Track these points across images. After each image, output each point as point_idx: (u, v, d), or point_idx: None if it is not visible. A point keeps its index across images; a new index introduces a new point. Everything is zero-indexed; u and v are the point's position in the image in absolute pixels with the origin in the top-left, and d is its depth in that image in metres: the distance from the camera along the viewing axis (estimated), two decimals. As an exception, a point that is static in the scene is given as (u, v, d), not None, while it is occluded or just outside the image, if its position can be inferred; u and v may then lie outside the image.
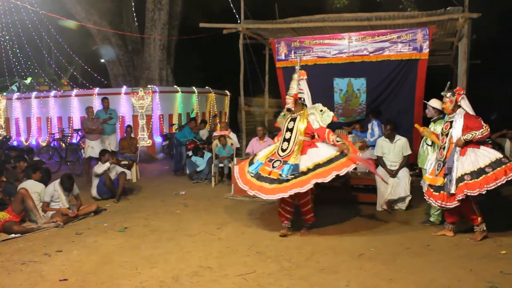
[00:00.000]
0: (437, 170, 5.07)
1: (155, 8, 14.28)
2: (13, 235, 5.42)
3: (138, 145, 10.33)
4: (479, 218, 4.95)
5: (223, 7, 12.03)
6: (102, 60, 17.43)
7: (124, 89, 13.16)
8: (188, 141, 10.00)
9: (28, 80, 20.42)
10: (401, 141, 6.52)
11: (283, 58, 8.55)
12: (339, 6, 12.32)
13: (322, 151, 5.23)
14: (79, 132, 12.61)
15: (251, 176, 5.27)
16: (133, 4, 14.91)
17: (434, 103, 5.67)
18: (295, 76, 5.47)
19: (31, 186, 6.08)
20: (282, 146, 5.37)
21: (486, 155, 4.85)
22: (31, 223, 5.92)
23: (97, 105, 12.27)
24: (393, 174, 6.42)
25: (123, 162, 9.19)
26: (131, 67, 15.89)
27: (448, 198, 4.86)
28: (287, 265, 4.30)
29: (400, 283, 3.84)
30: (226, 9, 10.61)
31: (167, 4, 14.38)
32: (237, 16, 8.92)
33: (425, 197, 5.24)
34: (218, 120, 14.83)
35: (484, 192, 4.70)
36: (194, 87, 14.28)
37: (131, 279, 3.99)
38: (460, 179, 4.79)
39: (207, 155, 9.36)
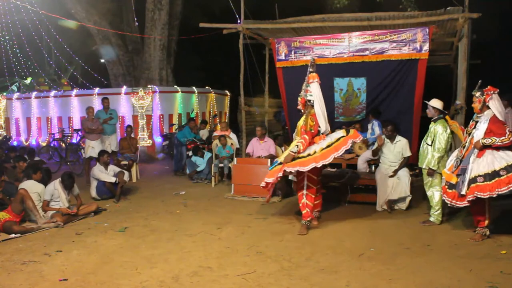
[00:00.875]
0: (454, 167, 5.06)
1: (155, 8, 14.28)
2: (13, 235, 5.41)
3: (138, 145, 10.33)
4: (486, 221, 4.94)
5: (223, 7, 12.02)
6: (102, 60, 17.43)
7: (124, 89, 13.17)
8: (188, 141, 10.01)
9: (28, 80, 20.42)
10: (401, 142, 6.51)
11: (283, 58, 8.55)
12: (339, 6, 12.30)
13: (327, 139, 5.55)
14: (79, 132, 12.61)
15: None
16: (133, 4, 14.91)
17: (434, 103, 5.66)
18: (306, 78, 5.68)
19: (31, 186, 6.08)
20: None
21: (504, 157, 4.75)
22: (31, 223, 5.92)
23: (97, 105, 12.28)
24: (393, 174, 6.42)
25: (123, 162, 9.20)
26: (131, 67, 15.89)
27: (459, 198, 4.87)
28: (287, 265, 4.30)
29: (400, 283, 3.84)
30: (226, 9, 10.59)
31: (167, 4, 14.38)
32: (237, 16, 8.91)
33: (441, 193, 5.29)
34: (218, 120, 14.83)
35: (495, 196, 4.65)
36: (194, 87, 14.28)
37: (131, 279, 3.99)
38: (473, 180, 4.75)
39: (207, 155, 9.37)
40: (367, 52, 7.92)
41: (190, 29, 14.25)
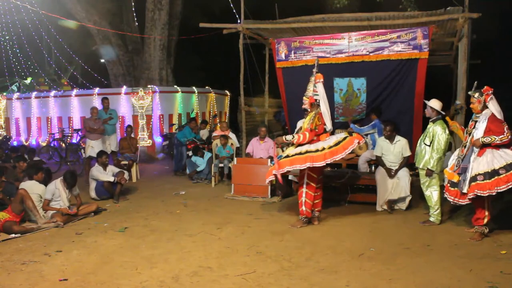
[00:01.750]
0: (456, 166, 5.13)
1: (155, 8, 14.27)
2: (13, 235, 5.41)
3: (138, 145, 10.33)
4: (485, 220, 4.97)
5: (223, 7, 12.05)
6: (102, 60, 17.43)
7: (124, 89, 13.16)
8: (188, 141, 10.01)
9: (28, 80, 20.42)
10: (401, 142, 6.52)
11: (283, 58, 8.54)
12: (339, 6, 12.31)
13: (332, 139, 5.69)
14: (79, 132, 12.62)
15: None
16: (133, 4, 14.91)
17: (433, 103, 5.65)
18: (312, 78, 5.76)
19: (32, 187, 6.07)
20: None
21: (503, 156, 4.82)
22: (31, 223, 5.92)
23: (97, 105, 12.26)
24: (393, 174, 6.42)
25: (123, 162, 9.20)
26: (131, 67, 15.89)
27: (461, 196, 4.98)
28: (287, 265, 4.30)
29: (400, 283, 3.84)
30: (226, 9, 10.62)
31: (167, 4, 14.37)
32: (237, 16, 8.92)
33: (444, 192, 5.32)
34: (218, 120, 14.83)
35: (494, 194, 4.72)
36: (194, 87, 14.28)
37: (131, 279, 3.99)
38: (473, 178, 4.83)
39: (207, 155, 9.36)
40: (367, 52, 7.92)
41: (190, 29, 14.25)
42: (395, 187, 6.36)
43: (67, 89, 16.90)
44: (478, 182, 4.78)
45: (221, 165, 8.90)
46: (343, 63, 8.13)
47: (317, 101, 5.69)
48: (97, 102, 12.59)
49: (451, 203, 5.20)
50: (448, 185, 5.19)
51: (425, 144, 5.69)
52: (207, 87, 15.24)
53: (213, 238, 5.24)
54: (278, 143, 6.06)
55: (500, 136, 4.78)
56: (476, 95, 5.02)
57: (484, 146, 4.88)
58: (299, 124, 6.11)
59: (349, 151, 5.60)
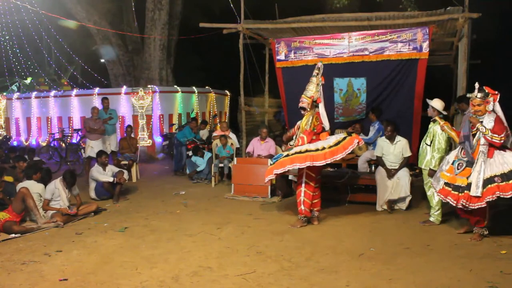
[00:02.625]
0: (457, 169, 4.96)
1: (155, 8, 14.28)
2: (13, 235, 5.41)
3: (138, 145, 10.33)
4: (486, 222, 4.93)
5: (223, 7, 12.02)
6: (102, 60, 17.42)
7: (124, 89, 13.16)
8: (188, 141, 10.01)
9: (28, 80, 20.42)
10: (401, 143, 6.51)
11: (283, 58, 8.55)
12: (339, 6, 12.30)
13: (331, 139, 5.73)
14: (79, 132, 12.62)
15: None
16: (133, 4, 14.90)
17: (435, 103, 5.64)
18: (314, 79, 5.75)
19: (31, 186, 6.06)
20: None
21: None
22: (32, 222, 5.92)
23: (97, 105, 12.25)
24: (393, 174, 6.41)
25: (123, 162, 9.20)
26: (131, 67, 15.89)
27: (472, 199, 4.72)
28: (287, 265, 4.30)
29: (400, 283, 3.84)
30: (226, 9, 10.59)
31: (167, 4, 14.37)
32: (237, 16, 8.91)
33: (438, 195, 5.16)
34: (218, 120, 14.83)
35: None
36: (194, 87, 14.28)
37: (131, 279, 3.99)
38: (489, 180, 4.68)
39: (207, 155, 9.36)
40: (367, 52, 7.92)
41: (190, 29, 14.24)
42: (395, 187, 6.36)
43: (67, 89, 16.89)
44: (498, 184, 4.63)
45: (221, 165, 8.90)
46: (343, 63, 8.13)
47: (316, 101, 5.74)
48: (97, 102, 12.59)
49: (459, 206, 4.89)
50: (450, 189, 4.95)
51: (426, 144, 5.69)
52: (207, 87, 15.24)
53: (213, 238, 5.24)
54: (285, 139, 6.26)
55: (499, 136, 4.69)
56: (480, 95, 4.82)
57: (490, 146, 4.78)
58: (298, 124, 6.11)
59: (349, 151, 5.62)
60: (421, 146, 5.87)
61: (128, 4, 15.33)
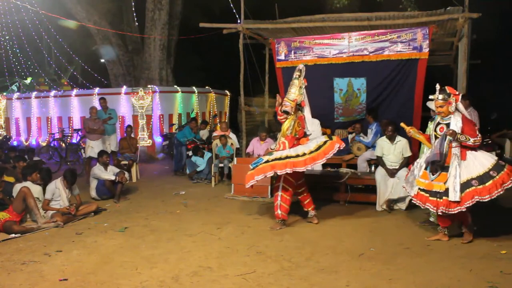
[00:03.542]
0: (432, 174, 4.86)
1: (155, 8, 14.28)
2: (13, 235, 5.41)
3: (138, 145, 10.33)
4: (469, 219, 4.86)
5: (223, 7, 12.04)
6: (102, 60, 17.43)
7: (124, 89, 13.17)
8: (188, 141, 10.01)
9: (28, 80, 20.42)
10: (401, 143, 6.51)
11: (283, 58, 8.55)
12: (339, 6, 12.32)
13: (311, 143, 5.59)
14: (79, 132, 12.62)
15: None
16: (133, 4, 14.92)
17: (430, 104, 5.63)
18: (296, 81, 5.62)
19: (29, 187, 6.06)
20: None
21: (486, 158, 4.73)
22: (32, 222, 5.92)
23: (97, 105, 12.27)
24: (394, 173, 6.41)
25: (123, 162, 9.20)
26: (131, 67, 15.90)
27: (451, 204, 4.65)
28: (287, 265, 4.30)
29: (400, 283, 3.84)
30: (226, 9, 10.61)
31: (167, 4, 14.38)
32: (237, 16, 8.92)
33: (413, 200, 5.10)
34: (218, 120, 14.83)
35: (494, 198, 4.57)
36: (194, 87, 14.29)
37: (131, 279, 3.99)
38: (467, 184, 4.62)
39: (207, 155, 9.36)
40: (367, 52, 7.93)
41: (190, 29, 14.25)
42: (395, 187, 6.37)
43: (67, 89, 16.89)
44: (475, 187, 4.57)
45: (221, 165, 8.90)
46: (343, 63, 8.13)
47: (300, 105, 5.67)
48: (97, 102, 12.58)
49: (438, 213, 4.79)
50: (427, 195, 4.82)
51: (426, 144, 5.68)
52: (207, 87, 15.25)
53: (213, 238, 5.24)
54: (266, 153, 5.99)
55: (473, 139, 4.65)
56: (442, 97, 4.81)
57: (462, 147, 4.73)
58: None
59: (330, 156, 5.47)
60: (421, 146, 5.87)
61: (128, 4, 15.34)
